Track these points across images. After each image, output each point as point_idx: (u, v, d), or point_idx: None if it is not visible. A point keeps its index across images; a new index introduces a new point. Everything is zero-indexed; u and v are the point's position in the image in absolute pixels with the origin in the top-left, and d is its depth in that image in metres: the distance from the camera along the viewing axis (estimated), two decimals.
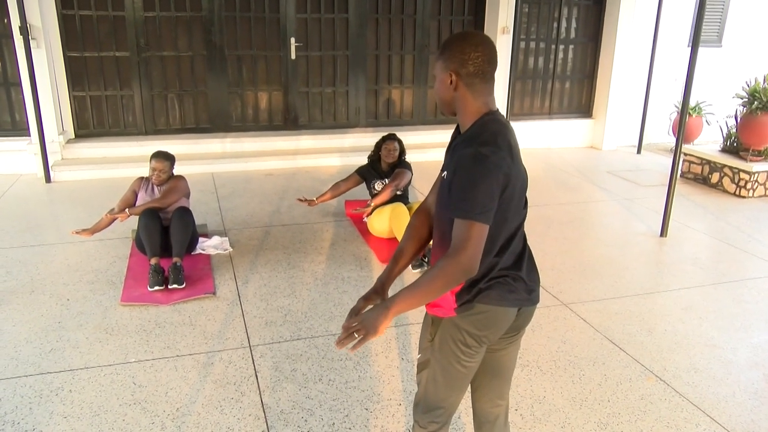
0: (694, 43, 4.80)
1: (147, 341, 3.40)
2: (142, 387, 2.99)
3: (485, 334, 1.87)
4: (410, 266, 4.27)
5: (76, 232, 4.30)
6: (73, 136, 6.91)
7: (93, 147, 6.75)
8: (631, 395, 3.05)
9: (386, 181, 5.01)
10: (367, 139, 7.47)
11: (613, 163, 7.88)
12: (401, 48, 7.79)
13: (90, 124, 6.96)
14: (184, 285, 3.98)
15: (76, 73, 6.76)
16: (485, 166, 1.70)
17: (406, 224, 4.45)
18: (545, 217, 5.67)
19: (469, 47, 1.76)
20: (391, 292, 1.94)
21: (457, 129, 1.91)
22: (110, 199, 5.75)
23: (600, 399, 3.01)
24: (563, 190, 6.58)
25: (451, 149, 1.90)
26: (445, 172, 1.86)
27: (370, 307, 1.83)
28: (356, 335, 1.72)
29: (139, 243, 4.30)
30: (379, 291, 2.00)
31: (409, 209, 4.74)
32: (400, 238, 4.60)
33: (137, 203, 4.42)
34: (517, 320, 1.93)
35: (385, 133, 5.25)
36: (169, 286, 3.95)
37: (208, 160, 6.79)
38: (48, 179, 6.33)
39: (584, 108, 8.76)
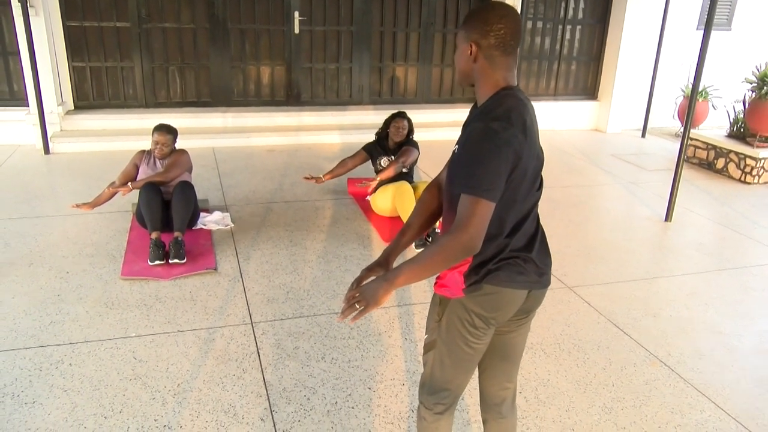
0: (707, 26, 4.71)
1: (147, 316, 3.36)
2: (142, 362, 2.96)
3: (493, 315, 1.83)
4: (413, 244, 4.25)
5: (77, 206, 4.24)
6: (73, 108, 6.81)
7: (92, 119, 6.66)
8: (636, 380, 3.03)
9: (393, 158, 4.95)
10: (370, 117, 7.40)
11: (618, 146, 7.81)
12: (407, 25, 7.66)
13: (89, 95, 6.86)
14: (185, 260, 3.93)
15: (76, 44, 6.64)
16: (494, 142, 1.64)
17: (410, 203, 4.41)
18: (550, 199, 5.61)
19: (494, 18, 1.69)
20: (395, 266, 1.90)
21: (475, 103, 1.85)
22: (109, 172, 5.69)
23: (604, 383, 2.99)
24: (567, 173, 6.52)
25: (466, 123, 1.84)
26: (456, 146, 1.80)
27: (373, 278, 1.80)
28: (357, 306, 1.70)
29: (139, 217, 4.25)
30: (383, 263, 1.97)
31: (414, 188, 4.68)
32: (403, 217, 4.59)
33: (139, 177, 4.35)
34: (527, 303, 1.89)
35: (394, 111, 5.15)
36: (170, 261, 3.91)
37: (209, 135, 6.71)
38: (47, 150, 6.25)
39: (590, 90, 8.66)
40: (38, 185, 5.37)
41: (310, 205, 5.15)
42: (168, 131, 4.34)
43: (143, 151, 4.47)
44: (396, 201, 4.60)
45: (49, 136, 6.24)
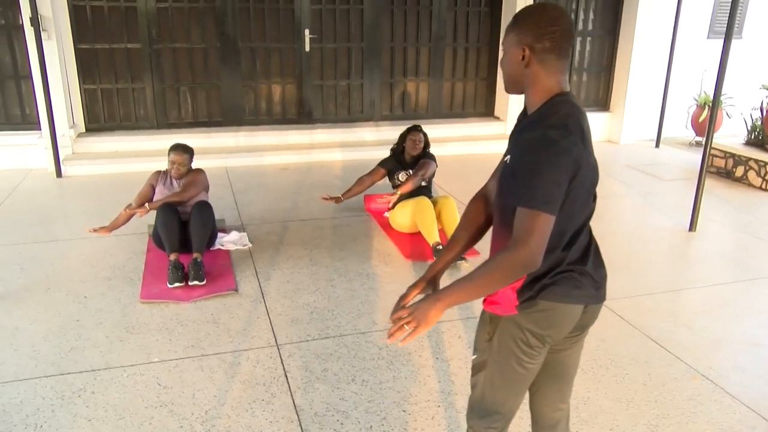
0: (727, 34, 4.67)
1: (170, 340, 3.27)
2: (167, 388, 2.86)
3: (549, 333, 1.74)
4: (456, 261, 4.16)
5: (94, 230, 4.17)
6: (84, 130, 6.78)
7: (104, 141, 6.63)
8: (679, 395, 2.92)
9: (410, 172, 4.87)
10: (382, 133, 7.35)
11: (632, 157, 7.73)
12: (417, 40, 7.63)
13: (101, 117, 6.83)
14: (204, 281, 3.84)
15: (87, 66, 6.63)
16: (553, 152, 1.56)
17: (430, 218, 4.33)
18: None
19: (546, 20, 1.62)
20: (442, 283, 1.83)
21: (524, 111, 1.77)
22: (122, 194, 5.64)
23: (647, 399, 2.88)
24: None
25: (516, 132, 1.76)
26: (508, 157, 1.72)
27: (419, 296, 1.71)
28: (407, 327, 1.63)
29: (156, 238, 4.18)
30: (430, 281, 1.90)
31: (433, 203, 4.59)
32: (424, 233, 4.50)
33: (155, 197, 4.29)
34: (583, 318, 1.79)
35: (407, 126, 5.09)
36: (190, 283, 3.82)
37: (221, 154, 6.66)
38: (59, 174, 6.20)
39: (601, 101, 8.60)
40: (52, 209, 5.31)
41: (328, 223, 5.07)
42: (184, 150, 4.29)
43: (159, 172, 4.41)
44: (416, 217, 4.51)
45: (61, 159, 6.20)
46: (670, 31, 7.87)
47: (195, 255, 3.96)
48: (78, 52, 6.54)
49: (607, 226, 5.23)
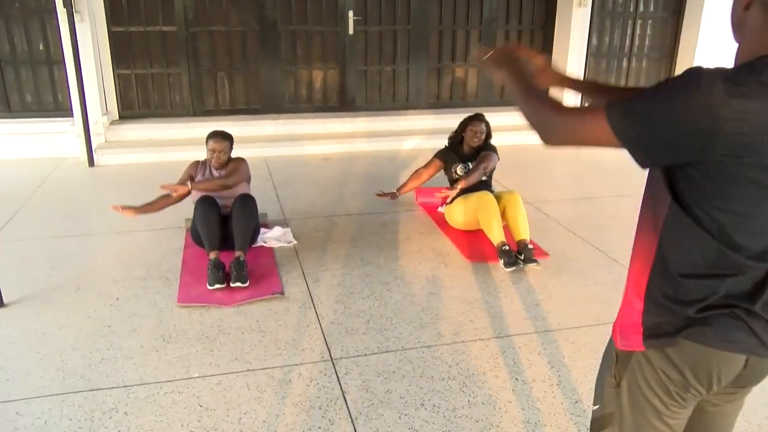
0: None
1: (211, 351, 2.90)
2: (209, 410, 2.49)
3: (695, 383, 1.29)
4: (503, 264, 3.73)
5: (121, 208, 3.75)
6: (117, 117, 6.49)
7: (138, 129, 6.32)
8: None
9: (469, 165, 4.42)
10: (428, 122, 6.91)
11: None
12: (467, 22, 7.15)
13: (135, 104, 6.53)
14: (248, 283, 3.47)
15: (121, 50, 6.32)
16: (693, 85, 1.10)
17: (495, 216, 3.87)
18: (636, 208, 5.02)
19: None
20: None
21: None
22: (157, 185, 5.31)
23: None
24: (634, 178, 5.89)
25: None
26: None
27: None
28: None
29: (194, 234, 3.82)
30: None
31: (496, 198, 4.13)
32: (488, 232, 4.06)
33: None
34: (744, 373, 1.31)
35: (454, 115, 4.63)
36: (232, 284, 3.45)
37: (260, 144, 6.29)
38: (91, 163, 5.91)
39: None
40: (84, 200, 5.01)
41: (377, 219, 4.66)
42: (224, 137, 3.91)
43: (198, 162, 4.04)
44: (478, 214, 4.06)
45: (93, 147, 5.91)
46: None
47: (237, 253, 3.59)
48: (112, 36, 6.24)
49: None
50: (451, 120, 6.98)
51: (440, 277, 3.70)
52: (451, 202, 4.35)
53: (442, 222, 4.54)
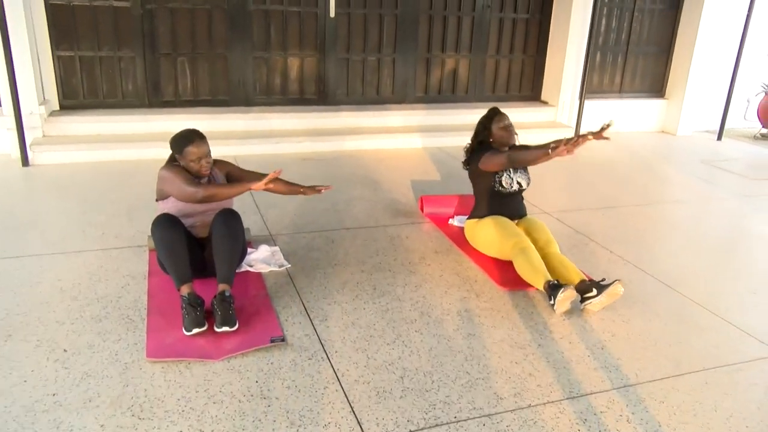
0: None
1: (200, 431, 2.11)
2: None
3: None
4: (579, 298, 3.05)
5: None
6: (58, 108, 5.51)
7: (83, 122, 5.36)
8: None
9: (512, 173, 3.61)
10: (418, 118, 6.22)
11: (699, 151, 6.71)
12: (459, 8, 6.47)
13: (79, 92, 5.56)
14: (237, 326, 2.68)
15: (62, 27, 5.34)
16: None
17: (536, 260, 3.11)
18: (661, 220, 4.47)
19: None
20: None
21: None
22: (108, 189, 4.43)
23: None
24: (662, 184, 5.39)
25: None
26: None
27: None
28: None
29: (160, 260, 3.01)
30: None
31: (526, 231, 3.44)
32: (530, 280, 3.14)
33: (177, 208, 3.05)
34: None
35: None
36: (216, 329, 2.66)
37: (228, 141, 5.44)
38: (25, 162, 4.94)
39: (656, 87, 7.55)
40: (17, 209, 4.07)
41: (381, 233, 3.93)
42: (203, 138, 3.07)
43: (179, 166, 3.11)
44: (517, 265, 3.24)
45: (28, 143, 4.94)
46: (746, 7, 6.83)
47: (221, 287, 2.79)
48: (50, 9, 5.25)
49: (729, 240, 4.18)
50: (443, 117, 6.34)
51: (475, 312, 3.01)
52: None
53: (457, 238, 3.86)
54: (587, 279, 3.16)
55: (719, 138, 7.32)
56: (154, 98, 5.75)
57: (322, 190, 3.18)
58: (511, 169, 3.59)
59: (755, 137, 7.53)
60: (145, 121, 5.46)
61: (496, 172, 3.57)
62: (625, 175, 5.57)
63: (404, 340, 2.74)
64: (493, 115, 3.70)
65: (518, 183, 3.65)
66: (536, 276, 3.15)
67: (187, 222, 3.04)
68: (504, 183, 3.58)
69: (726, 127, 7.50)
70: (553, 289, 3.03)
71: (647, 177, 5.59)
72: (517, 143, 3.71)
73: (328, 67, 6.17)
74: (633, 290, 3.33)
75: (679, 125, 7.41)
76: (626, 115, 7.33)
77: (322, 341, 2.69)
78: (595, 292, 3.00)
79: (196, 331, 2.62)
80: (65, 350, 2.53)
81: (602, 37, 7.09)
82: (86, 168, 4.97)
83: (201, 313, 2.67)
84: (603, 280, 3.08)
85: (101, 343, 2.59)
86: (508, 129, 3.61)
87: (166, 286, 3.03)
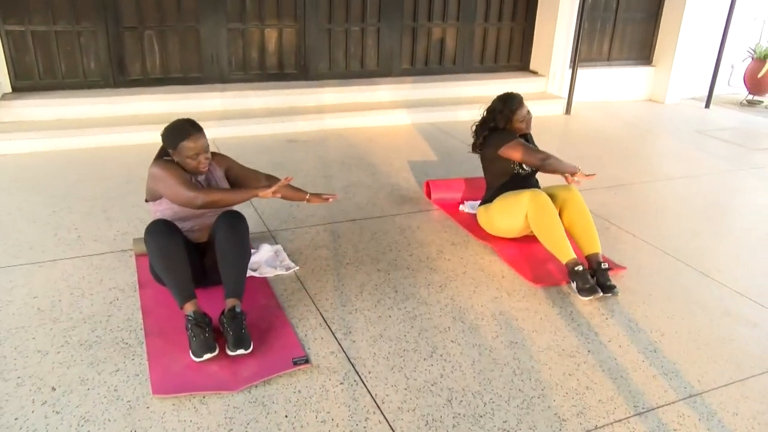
0: None
1: None
2: None
3: None
4: (576, 289, 2.86)
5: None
6: (10, 90, 4.93)
7: (41, 105, 4.81)
8: None
9: None
10: (405, 92, 5.87)
11: (691, 120, 6.55)
12: None
13: (34, 72, 4.98)
14: (251, 348, 2.34)
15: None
16: None
17: (556, 225, 2.86)
18: (674, 196, 4.27)
19: None
20: None
21: None
22: (78, 181, 3.96)
23: None
24: (661, 158, 5.20)
25: None
26: None
27: None
28: None
29: (154, 270, 2.63)
30: None
31: (552, 198, 3.17)
32: (552, 247, 2.85)
33: (172, 211, 2.65)
34: None
35: (502, 94, 3.46)
36: (231, 352, 2.30)
37: (204, 123, 4.82)
38: None
39: (643, 54, 7.33)
40: None
41: (390, 224, 3.60)
42: (200, 128, 2.67)
43: (173, 162, 2.70)
44: (535, 221, 3.06)
45: None
46: None
47: (230, 303, 2.43)
48: None
49: (751, 220, 4.00)
50: (432, 90, 5.98)
51: (511, 315, 2.73)
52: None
53: (471, 225, 3.56)
54: (603, 259, 3.02)
55: (707, 105, 7.18)
56: (120, 77, 5.21)
57: (330, 199, 2.82)
58: None
59: (742, 104, 7.43)
60: (110, 103, 4.95)
61: (512, 162, 3.32)
62: (627, 149, 5.35)
63: (442, 353, 2.44)
64: (517, 105, 3.38)
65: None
66: (557, 245, 2.99)
67: (183, 226, 2.65)
68: (525, 165, 3.32)
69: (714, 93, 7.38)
70: (577, 277, 2.90)
71: (648, 150, 5.39)
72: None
73: (309, 39, 5.72)
74: (668, 279, 3.10)
75: (668, 93, 7.23)
76: (615, 84, 7.11)
77: (351, 360, 2.37)
78: (617, 290, 2.93)
79: (207, 357, 2.26)
80: (53, 388, 2.14)
81: (590, 2, 6.79)
82: (48, 158, 4.46)
83: (210, 335, 2.31)
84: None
85: (96, 377, 2.21)
86: (529, 120, 3.35)
87: (161, 299, 2.65)
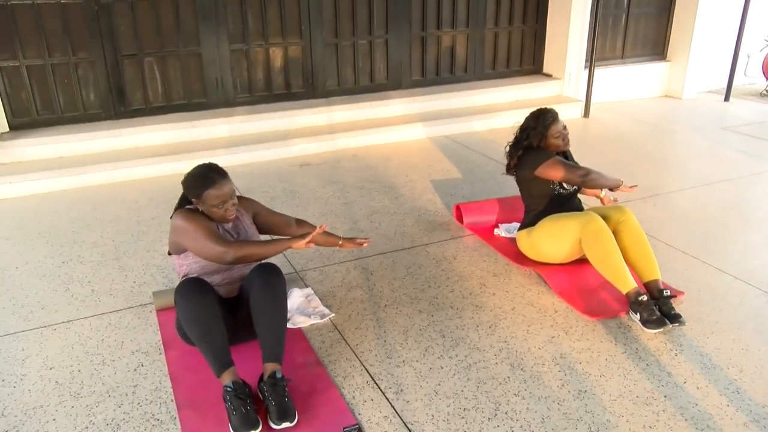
0: None
1: None
2: None
3: None
4: (641, 322, 2.64)
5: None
6: (7, 129, 4.69)
7: (40, 143, 4.57)
8: None
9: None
10: (417, 105, 5.64)
11: (713, 115, 6.31)
12: None
13: (31, 108, 4.74)
14: (296, 419, 2.10)
15: (1, 33, 4.50)
16: None
17: (615, 252, 2.59)
18: (721, 203, 4.03)
19: None
20: None
21: None
22: (84, 225, 3.72)
23: None
24: (702, 161, 4.95)
25: None
26: None
27: None
28: None
29: (183, 330, 2.39)
30: None
31: (606, 219, 2.94)
32: (611, 277, 2.57)
33: (199, 265, 2.40)
34: None
35: (535, 110, 3.23)
36: (275, 425, 2.06)
37: (213, 151, 4.73)
38: None
39: (657, 49, 7.09)
40: None
41: (423, 255, 3.36)
42: (224, 174, 2.42)
43: (197, 211, 2.45)
44: (590, 246, 2.83)
45: None
46: None
47: (271, 368, 2.19)
48: None
49: None
50: (445, 101, 5.74)
51: (572, 357, 2.49)
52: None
53: (509, 251, 3.33)
54: (663, 286, 2.79)
55: (726, 99, 6.95)
56: (121, 107, 4.97)
57: (365, 245, 2.60)
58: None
59: (762, 94, 7.20)
60: (113, 136, 4.71)
61: (552, 183, 3.10)
62: (654, 153, 5.12)
63: (506, 410, 2.20)
64: (551, 120, 3.14)
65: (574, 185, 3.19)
66: (617, 274, 2.74)
67: (212, 280, 2.41)
68: (565, 184, 3.09)
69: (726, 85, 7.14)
70: (641, 309, 2.66)
71: (677, 152, 5.16)
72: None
73: (315, 55, 5.48)
74: (734, 303, 2.87)
75: (685, 88, 7.00)
76: (629, 82, 6.88)
77: (408, 425, 2.13)
78: (684, 319, 2.68)
79: None
80: None
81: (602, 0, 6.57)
82: (50, 199, 4.22)
83: (251, 407, 2.07)
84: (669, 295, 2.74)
85: None
86: (565, 137, 3.12)
87: (190, 363, 2.42)
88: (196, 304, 2.17)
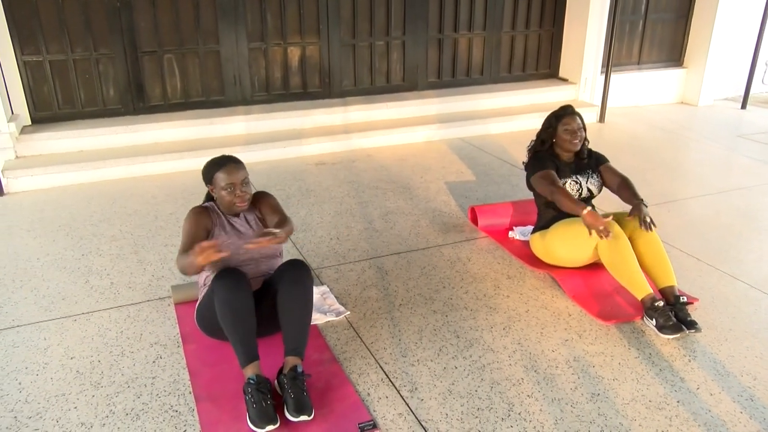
0: None
1: None
2: None
3: None
4: (656, 328, 2.65)
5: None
6: (29, 122, 4.76)
7: (61, 137, 4.64)
8: None
9: (580, 179, 3.17)
10: (433, 107, 5.66)
11: (730, 123, 6.29)
12: None
13: (53, 103, 4.82)
14: (313, 413, 2.13)
15: (25, 28, 4.58)
16: None
17: (631, 259, 2.57)
18: (737, 211, 4.02)
19: None
20: None
21: None
22: (104, 218, 3.78)
23: None
24: (718, 168, 4.94)
25: None
26: None
27: None
28: None
29: (206, 321, 2.44)
30: None
31: (620, 224, 2.95)
32: (627, 283, 2.58)
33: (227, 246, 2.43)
34: None
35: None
36: (293, 418, 2.10)
37: (229, 147, 4.75)
38: None
39: (674, 55, 7.08)
40: None
41: (437, 256, 3.39)
42: (238, 162, 2.47)
43: (202, 209, 2.54)
44: (606, 252, 2.84)
45: (0, 168, 4.23)
46: None
47: (291, 361, 2.23)
48: (8, 7, 4.47)
49: None
50: (461, 103, 5.77)
51: (586, 360, 2.51)
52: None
53: (523, 254, 3.34)
54: (679, 292, 2.79)
55: (743, 106, 6.92)
56: (140, 103, 5.03)
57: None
58: (578, 174, 3.19)
59: None
60: (131, 132, 4.77)
61: (561, 177, 3.12)
62: (669, 159, 5.12)
63: (520, 411, 2.22)
64: (563, 114, 3.18)
65: (588, 190, 3.21)
66: (633, 280, 2.75)
67: None
68: (571, 190, 3.13)
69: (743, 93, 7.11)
70: (657, 314, 2.67)
71: (693, 159, 5.15)
72: (584, 148, 3.25)
73: (332, 55, 5.52)
74: (747, 311, 2.87)
75: (701, 95, 6.97)
76: (645, 88, 6.87)
77: (423, 422, 2.16)
78: (699, 326, 2.69)
79: (269, 428, 2.05)
80: None
81: (620, 5, 6.55)
82: (70, 193, 4.28)
83: (271, 403, 2.11)
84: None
85: None
86: (574, 133, 3.12)
87: (208, 357, 2.46)
88: (234, 293, 2.21)
